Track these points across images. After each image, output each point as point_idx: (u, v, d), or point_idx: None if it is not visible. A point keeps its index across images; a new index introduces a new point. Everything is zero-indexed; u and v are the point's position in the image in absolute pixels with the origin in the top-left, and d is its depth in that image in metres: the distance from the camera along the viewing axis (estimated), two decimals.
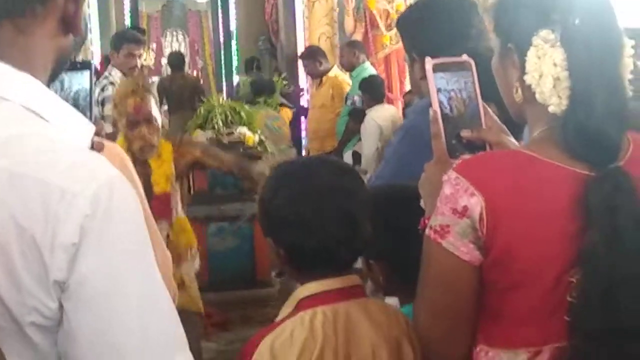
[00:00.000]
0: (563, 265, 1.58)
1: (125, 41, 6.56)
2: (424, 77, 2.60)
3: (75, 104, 1.53)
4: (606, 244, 1.54)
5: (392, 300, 2.39)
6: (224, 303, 6.48)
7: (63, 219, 1.17)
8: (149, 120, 4.03)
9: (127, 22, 14.16)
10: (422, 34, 2.65)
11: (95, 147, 1.40)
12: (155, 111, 4.07)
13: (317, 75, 9.10)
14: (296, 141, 9.72)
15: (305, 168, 2.15)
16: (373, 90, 7.83)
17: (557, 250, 1.58)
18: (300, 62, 9.97)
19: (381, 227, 2.06)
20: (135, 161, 3.86)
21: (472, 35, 2.58)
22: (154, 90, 4.26)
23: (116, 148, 2.46)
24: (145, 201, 2.40)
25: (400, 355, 2.00)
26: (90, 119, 1.48)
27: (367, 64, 8.76)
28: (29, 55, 1.31)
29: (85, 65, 1.60)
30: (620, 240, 1.54)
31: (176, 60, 12.32)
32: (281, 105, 8.67)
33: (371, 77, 8.26)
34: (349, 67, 8.79)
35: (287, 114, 8.63)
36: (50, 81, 1.38)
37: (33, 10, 1.29)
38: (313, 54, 9.13)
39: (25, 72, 1.28)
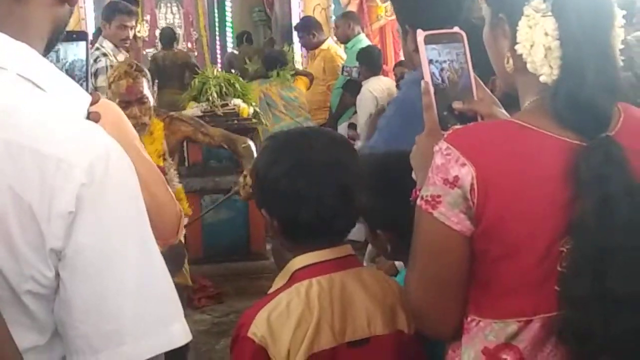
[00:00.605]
0: (553, 234, 1.58)
1: (117, 12, 6.51)
2: (416, 49, 2.61)
3: (71, 75, 1.52)
4: (596, 213, 1.54)
5: (398, 263, 2.40)
6: (218, 275, 6.50)
7: (59, 188, 1.18)
8: (141, 100, 4.11)
9: None
10: (415, 6, 2.64)
11: (92, 117, 1.40)
12: (147, 91, 4.15)
13: (311, 47, 9.09)
14: None
15: (300, 140, 2.14)
16: (370, 62, 7.79)
17: (548, 220, 1.58)
18: (295, 34, 9.96)
19: (384, 196, 2.07)
20: None
21: (465, 6, 2.58)
22: (147, 70, 4.32)
23: (112, 105, 2.50)
24: (142, 147, 2.43)
25: (394, 323, 2.02)
26: (87, 89, 1.48)
27: (362, 35, 8.74)
28: (26, 25, 1.31)
29: (81, 36, 1.59)
30: (610, 209, 1.54)
31: (167, 36, 12.35)
32: (296, 74, 8.62)
33: (369, 47, 8.24)
34: (344, 39, 8.76)
35: (304, 82, 8.57)
36: (46, 51, 1.38)
37: None
38: (308, 26, 9.11)
39: (21, 42, 1.28)
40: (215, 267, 6.54)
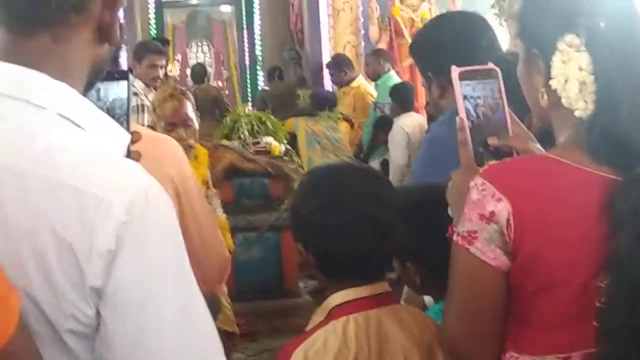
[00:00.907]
0: (591, 269, 1.57)
1: (147, 52, 6.59)
2: (442, 96, 2.66)
3: (112, 113, 1.54)
4: (632, 248, 1.53)
5: (427, 299, 2.40)
6: (251, 313, 6.47)
7: (99, 226, 1.19)
8: (186, 122, 4.10)
9: (153, 32, 14.22)
10: (433, 53, 2.69)
11: (133, 156, 1.41)
12: (192, 114, 4.15)
13: (342, 85, 9.11)
14: None
15: (335, 174, 2.15)
16: (403, 98, 7.78)
17: (585, 255, 1.57)
18: (325, 72, 10.00)
19: (414, 229, 2.06)
20: None
21: (483, 48, 2.62)
22: (190, 94, 4.35)
23: (171, 141, 2.53)
24: (197, 187, 2.44)
25: None
26: (127, 128, 1.49)
27: (392, 72, 8.77)
28: (66, 64, 1.33)
29: (123, 75, 1.60)
30: None
31: (198, 72, 12.41)
32: (342, 118, 8.67)
33: (402, 84, 8.25)
34: (374, 76, 8.79)
35: (345, 127, 8.63)
36: (86, 90, 1.40)
37: (68, 19, 1.31)
38: (339, 63, 9.15)
39: (61, 81, 1.30)
40: (248, 305, 6.51)
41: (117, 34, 1.40)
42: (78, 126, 1.28)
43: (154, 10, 14.91)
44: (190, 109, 4.15)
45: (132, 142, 1.42)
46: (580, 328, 1.60)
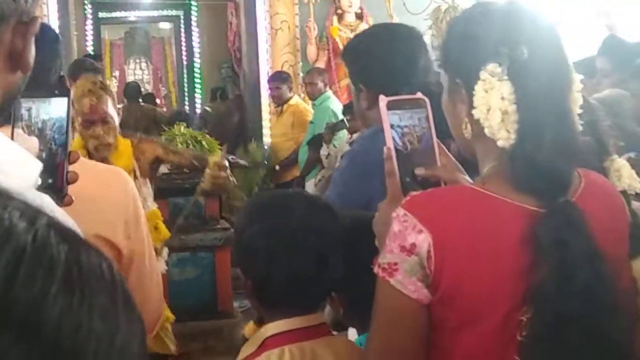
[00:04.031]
0: (513, 303, 1.55)
1: (82, 70, 6.48)
2: (370, 107, 2.62)
3: (42, 134, 1.49)
4: (556, 280, 1.52)
5: (351, 331, 2.38)
6: (184, 334, 6.40)
7: None
8: (105, 119, 3.99)
9: (89, 49, 14.08)
10: (369, 65, 2.66)
11: (70, 176, 1.37)
12: (111, 110, 4.03)
13: (282, 101, 9.08)
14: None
15: (281, 201, 2.13)
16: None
17: (507, 288, 1.55)
18: (263, 90, 9.97)
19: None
20: (92, 159, 3.86)
21: (419, 68, 2.60)
22: (111, 89, 4.23)
23: (120, 173, 2.46)
24: (144, 221, 2.39)
25: None
26: (66, 147, 1.46)
27: (330, 92, 8.75)
28: None
29: (63, 92, 1.55)
30: (569, 276, 1.52)
31: (131, 90, 12.35)
32: None
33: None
34: (312, 96, 8.77)
35: None
36: None
37: None
38: (284, 78, 9.12)
39: None
40: (182, 326, 6.44)
41: (30, 60, 1.35)
42: None
43: (91, 27, 14.77)
44: (110, 106, 4.03)
45: (70, 162, 1.39)
46: None
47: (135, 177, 4.20)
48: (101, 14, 15.51)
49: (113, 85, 16.65)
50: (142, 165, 4.33)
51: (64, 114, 1.52)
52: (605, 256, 1.57)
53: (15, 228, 0.63)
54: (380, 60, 2.63)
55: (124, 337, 0.66)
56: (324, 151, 7.44)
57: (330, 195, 2.74)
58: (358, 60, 2.76)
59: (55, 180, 1.49)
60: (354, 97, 2.81)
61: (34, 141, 1.47)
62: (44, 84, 1.57)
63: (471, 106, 1.65)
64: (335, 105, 8.29)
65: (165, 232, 4.48)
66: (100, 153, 4.05)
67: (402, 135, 1.73)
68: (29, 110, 1.51)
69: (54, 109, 1.52)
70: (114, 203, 2.31)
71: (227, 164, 4.46)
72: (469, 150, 1.75)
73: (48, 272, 0.62)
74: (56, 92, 1.54)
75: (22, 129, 1.51)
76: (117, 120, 4.13)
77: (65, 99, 1.53)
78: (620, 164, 2.35)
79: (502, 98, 1.59)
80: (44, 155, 1.49)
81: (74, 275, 0.64)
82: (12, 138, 1.41)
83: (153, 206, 4.42)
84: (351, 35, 9.59)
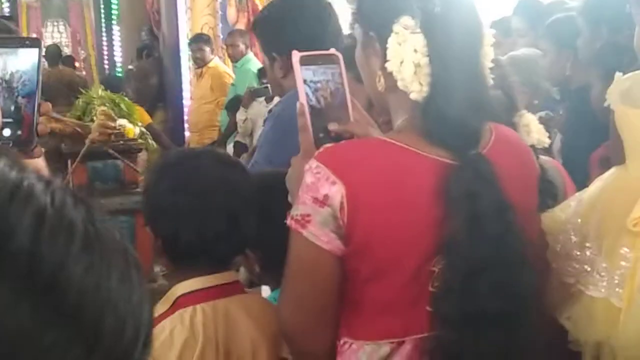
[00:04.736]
0: (424, 254, 1.57)
1: None
2: (285, 75, 2.63)
3: (9, 86, 1.46)
4: (466, 231, 1.54)
5: (264, 288, 2.37)
6: None
7: None
8: None
9: (6, 12, 13.77)
10: (281, 33, 2.68)
11: (40, 130, 1.40)
12: None
13: (203, 63, 9.00)
14: (179, 136, 9.67)
15: (189, 159, 2.11)
16: None
17: (418, 239, 1.57)
18: (183, 53, 9.89)
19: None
20: None
21: (330, 33, 2.62)
22: None
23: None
24: None
25: (279, 351, 1.98)
26: (36, 100, 1.45)
27: (251, 54, 8.70)
28: None
29: (34, 42, 1.51)
30: (480, 227, 1.54)
31: (52, 53, 12.09)
32: None
33: None
34: (234, 58, 8.71)
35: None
36: None
37: None
38: (205, 40, 9.05)
39: None
40: None
41: None
42: None
43: None
44: None
45: (41, 113, 1.40)
46: (414, 313, 1.60)
47: None
48: None
49: None
50: None
51: (34, 65, 1.49)
52: (514, 208, 1.59)
53: (33, 189, 0.64)
54: (290, 27, 2.65)
55: (138, 297, 0.68)
56: (240, 115, 7.38)
57: (258, 157, 2.76)
58: (269, 30, 2.78)
59: (23, 131, 1.47)
60: (267, 68, 2.81)
61: None
62: None
63: (384, 59, 1.64)
64: (257, 67, 8.23)
65: None
66: None
67: (315, 90, 1.72)
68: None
69: (23, 60, 1.49)
70: None
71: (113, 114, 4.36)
72: (382, 103, 1.75)
73: (68, 232, 0.64)
74: (27, 42, 1.51)
75: None
76: None
77: (36, 50, 1.49)
78: (529, 119, 2.40)
79: (415, 51, 1.60)
80: (12, 107, 1.47)
81: (91, 236, 0.65)
82: None
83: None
84: None
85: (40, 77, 1.50)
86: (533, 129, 2.36)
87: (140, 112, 8.82)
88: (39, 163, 1.46)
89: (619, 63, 2.84)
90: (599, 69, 3.14)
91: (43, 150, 1.51)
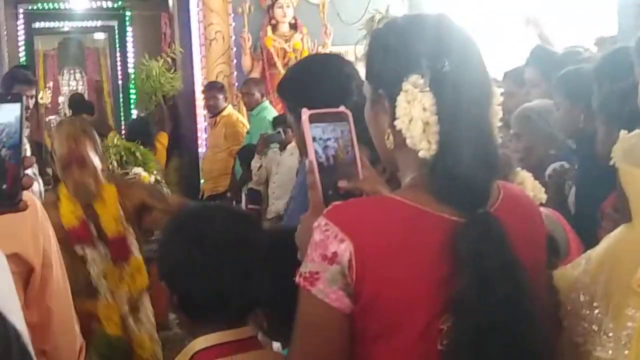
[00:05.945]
0: (432, 312, 1.56)
1: (16, 82, 6.41)
2: None
3: (1, 136, 1.48)
4: (474, 290, 1.54)
5: (275, 345, 2.37)
6: None
7: None
8: (82, 162, 3.89)
9: (22, 60, 13.87)
10: (306, 95, 2.69)
11: (25, 183, 1.41)
12: (91, 153, 3.93)
13: (217, 111, 9.03)
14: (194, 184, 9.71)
15: (202, 213, 2.12)
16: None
17: (426, 297, 1.56)
18: (198, 100, 9.95)
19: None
20: (82, 207, 3.91)
21: (352, 88, 2.64)
22: (93, 133, 4.07)
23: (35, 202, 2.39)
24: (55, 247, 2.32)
25: None
26: (20, 154, 1.46)
27: (267, 102, 8.74)
28: None
29: (15, 98, 1.53)
30: (488, 286, 1.54)
31: (76, 102, 12.12)
32: None
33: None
34: (249, 106, 8.74)
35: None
36: None
37: None
38: (219, 88, 9.08)
39: None
40: None
41: None
42: None
43: (23, 38, 14.55)
44: (89, 147, 3.92)
45: (25, 167, 1.40)
46: None
47: (124, 228, 4.07)
48: (35, 25, 15.29)
49: (47, 96, 16.46)
50: (127, 210, 4.13)
51: (16, 119, 1.50)
52: (524, 266, 1.59)
53: None
54: (314, 89, 2.65)
55: None
56: (255, 163, 7.38)
57: (294, 208, 2.80)
58: (293, 93, 2.77)
59: (7, 185, 1.48)
60: (295, 127, 2.82)
61: None
62: None
63: (393, 117, 1.66)
64: (272, 115, 8.26)
65: (143, 282, 4.31)
66: (80, 197, 3.96)
67: (324, 147, 1.74)
68: None
69: (5, 114, 1.50)
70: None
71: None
72: (391, 161, 1.76)
73: None
74: (8, 97, 1.53)
75: None
76: (98, 163, 3.99)
77: (17, 105, 1.51)
78: (524, 176, 2.41)
79: (424, 109, 1.61)
80: None
81: None
82: None
83: (138, 256, 4.22)
84: (285, 46, 9.68)
85: (24, 132, 1.53)
86: (528, 186, 2.39)
87: (162, 136, 8.91)
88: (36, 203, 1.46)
89: (621, 110, 2.85)
90: (602, 115, 3.14)
91: (28, 204, 1.52)
